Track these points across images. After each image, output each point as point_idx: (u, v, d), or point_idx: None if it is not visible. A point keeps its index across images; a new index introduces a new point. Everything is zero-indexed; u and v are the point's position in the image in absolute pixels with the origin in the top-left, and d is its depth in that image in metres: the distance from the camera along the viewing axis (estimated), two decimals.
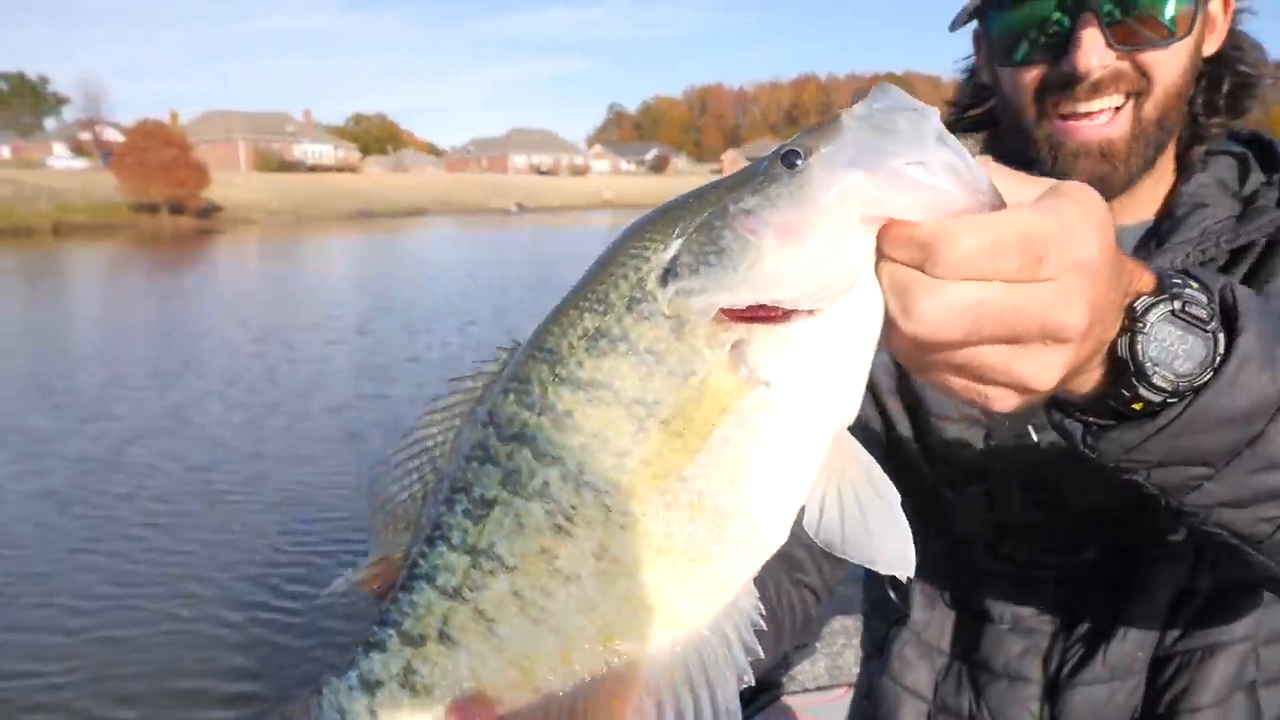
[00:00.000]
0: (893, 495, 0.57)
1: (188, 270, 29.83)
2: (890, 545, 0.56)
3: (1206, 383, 0.61)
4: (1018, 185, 0.54)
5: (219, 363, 13.07)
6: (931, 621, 1.25)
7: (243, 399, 10.94)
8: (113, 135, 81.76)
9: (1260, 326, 0.62)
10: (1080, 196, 0.53)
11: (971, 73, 1.25)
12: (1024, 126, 1.09)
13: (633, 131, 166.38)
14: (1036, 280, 0.50)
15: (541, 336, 0.60)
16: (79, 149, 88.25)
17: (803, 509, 0.57)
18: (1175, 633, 1.11)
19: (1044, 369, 0.53)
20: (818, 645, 3.48)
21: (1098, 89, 1.04)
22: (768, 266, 0.53)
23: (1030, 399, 0.55)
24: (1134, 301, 0.62)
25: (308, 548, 6.57)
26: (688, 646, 0.57)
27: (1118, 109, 1.05)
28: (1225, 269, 1.10)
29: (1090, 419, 0.63)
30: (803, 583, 1.22)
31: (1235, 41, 1.15)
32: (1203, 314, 0.62)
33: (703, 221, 0.56)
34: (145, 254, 36.79)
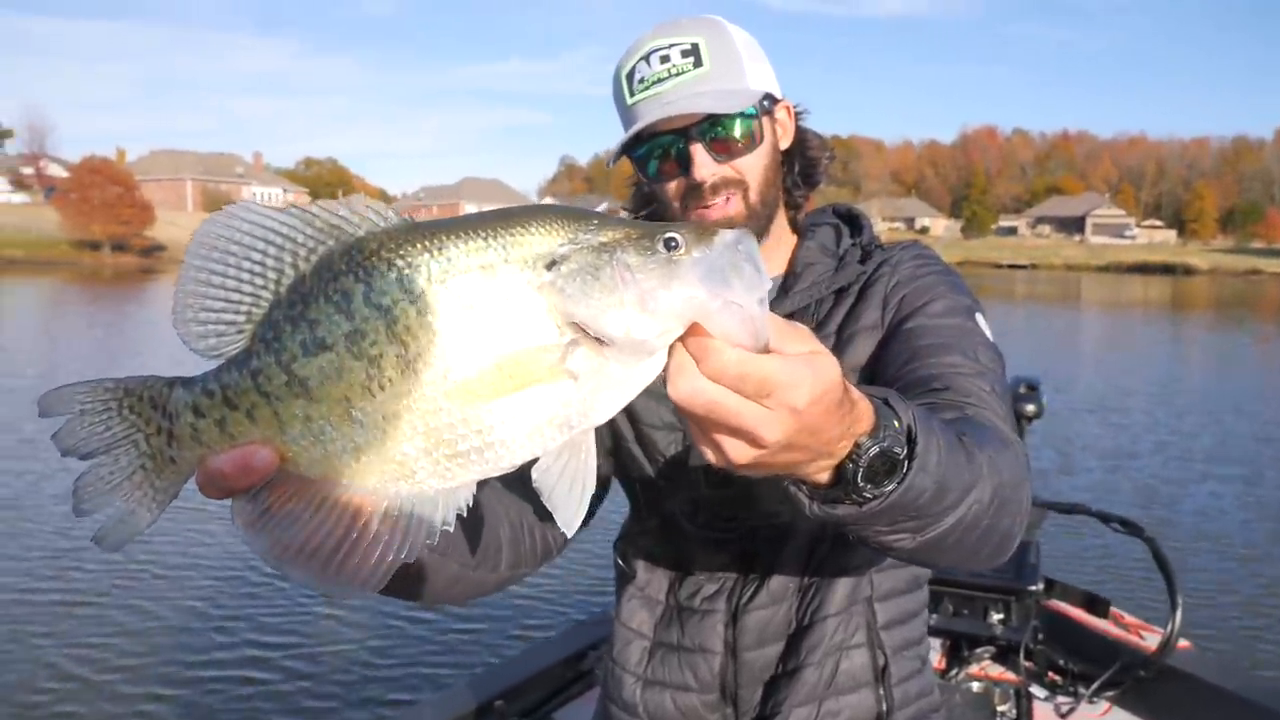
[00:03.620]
0: (591, 482, 0.77)
1: (109, 308, 29.52)
2: (571, 509, 0.75)
3: (893, 489, 0.89)
4: (792, 340, 0.75)
5: None
6: (652, 579, 1.60)
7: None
8: (57, 170, 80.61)
9: (926, 448, 0.91)
10: (818, 366, 0.75)
11: (638, 184, 1.61)
12: (677, 218, 1.47)
13: (583, 184, 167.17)
14: (759, 403, 0.73)
15: (443, 238, 0.72)
16: (20, 183, 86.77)
17: (537, 460, 0.75)
18: (812, 567, 1.49)
19: (741, 454, 0.77)
20: None
21: (715, 190, 1.43)
22: (618, 310, 0.71)
23: (729, 467, 0.79)
24: (857, 440, 0.86)
25: None
26: (410, 496, 0.74)
27: (730, 198, 1.44)
28: (832, 310, 1.49)
29: (814, 499, 0.92)
30: (548, 531, 1.49)
31: (802, 136, 1.55)
32: (899, 451, 0.88)
33: (596, 247, 0.73)
34: (78, 290, 36.33)
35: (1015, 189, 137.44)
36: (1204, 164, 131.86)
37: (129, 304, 31.55)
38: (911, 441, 0.90)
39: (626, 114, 1.48)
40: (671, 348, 0.74)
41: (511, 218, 0.75)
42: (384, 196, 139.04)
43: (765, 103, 1.47)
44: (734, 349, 0.72)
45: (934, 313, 1.40)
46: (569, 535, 0.78)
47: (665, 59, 1.43)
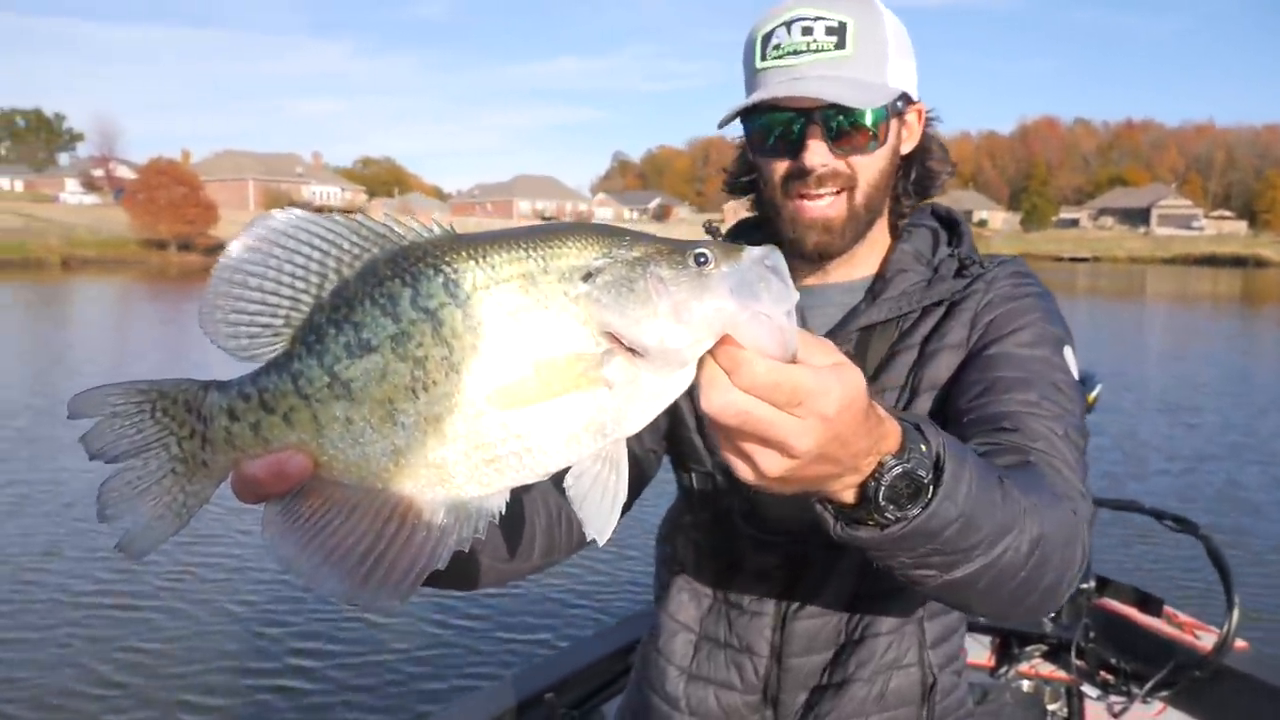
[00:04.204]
0: (623, 493, 0.78)
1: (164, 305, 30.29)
2: (602, 519, 0.77)
3: (916, 515, 0.88)
4: (818, 352, 0.76)
5: None
6: (701, 573, 1.55)
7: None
8: (126, 172, 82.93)
9: (954, 477, 0.90)
10: (845, 376, 0.76)
11: (743, 148, 1.52)
12: (775, 201, 1.41)
13: (636, 180, 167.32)
14: (791, 413, 0.74)
15: (487, 248, 0.75)
16: (91, 185, 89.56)
17: (569, 468, 0.77)
18: (867, 582, 1.43)
19: (773, 465, 0.77)
20: None
21: (821, 181, 1.34)
22: (651, 320, 0.73)
23: (760, 480, 0.79)
24: (881, 459, 0.86)
25: None
26: (446, 502, 0.76)
27: (836, 194, 1.36)
28: (919, 321, 1.42)
29: (839, 519, 0.92)
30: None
31: (925, 144, 1.46)
32: (924, 475, 0.87)
33: (630, 261, 0.75)
34: (146, 288, 37.39)
35: (1077, 180, 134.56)
36: (1276, 151, 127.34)
37: (193, 301, 32.22)
38: (939, 468, 0.89)
39: (752, 77, 1.40)
40: (702, 361, 0.75)
41: (550, 232, 0.76)
42: (439, 194, 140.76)
43: (899, 103, 1.38)
44: (764, 360, 0.72)
45: (1020, 342, 1.33)
46: (600, 543, 0.79)
47: (808, 30, 1.33)
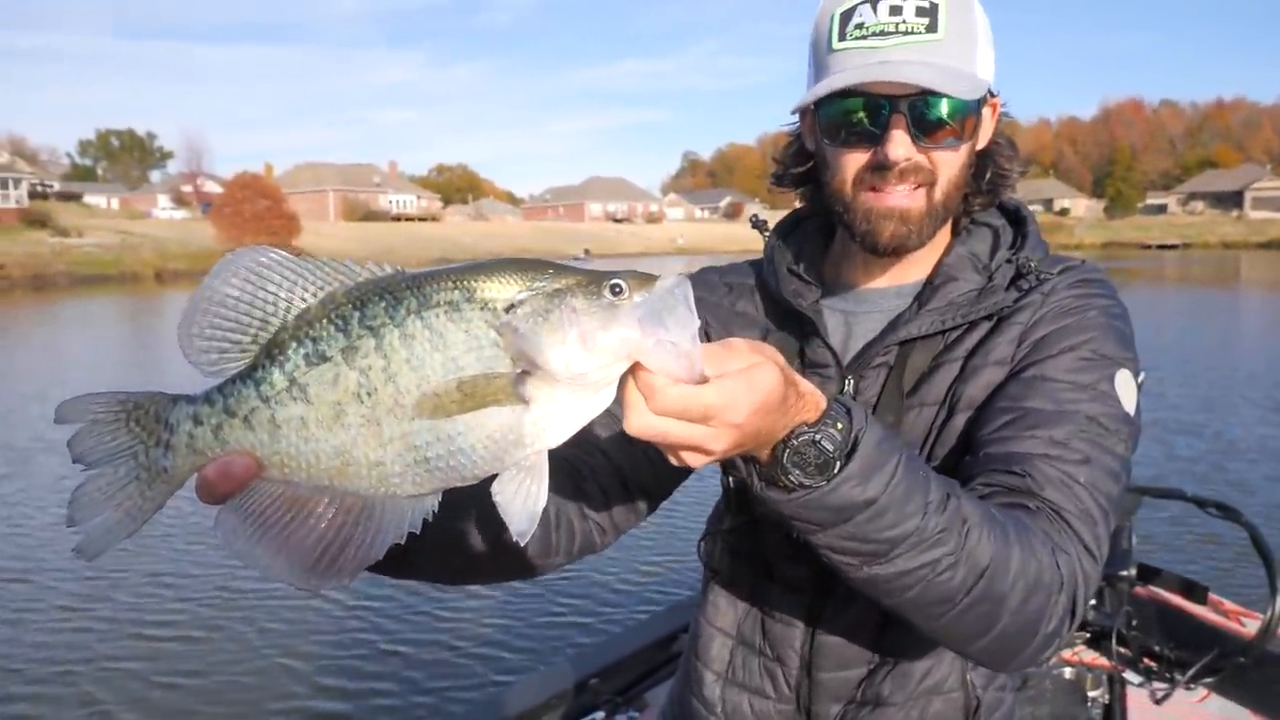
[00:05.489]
0: (543, 500, 0.85)
1: None
2: (523, 523, 0.84)
3: (820, 485, 0.93)
4: (728, 360, 0.83)
5: None
6: (736, 578, 1.51)
7: None
8: (213, 187, 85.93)
9: (870, 463, 0.94)
10: (754, 380, 0.83)
11: (797, 137, 1.45)
12: (844, 194, 1.32)
13: (706, 179, 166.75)
14: (704, 425, 0.82)
15: (423, 281, 0.84)
16: (181, 200, 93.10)
17: (497, 476, 0.84)
18: None
19: (696, 461, 0.86)
20: None
21: (902, 176, 1.26)
22: (558, 348, 0.80)
23: (690, 468, 0.89)
24: (795, 427, 0.92)
25: None
26: (381, 501, 0.85)
27: (914, 189, 1.28)
28: (966, 333, 1.33)
29: (759, 479, 0.97)
30: (590, 518, 1.39)
31: (997, 140, 1.38)
32: (830, 446, 0.92)
33: (548, 293, 0.82)
34: None
35: (1164, 164, 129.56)
36: None
37: None
38: (853, 449, 0.93)
39: (825, 58, 1.30)
40: (624, 386, 0.82)
41: (484, 268, 0.85)
42: (511, 199, 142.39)
43: (985, 96, 1.30)
44: (675, 386, 0.79)
45: (1064, 366, 1.24)
46: (522, 545, 0.85)
47: (897, 10, 1.24)
